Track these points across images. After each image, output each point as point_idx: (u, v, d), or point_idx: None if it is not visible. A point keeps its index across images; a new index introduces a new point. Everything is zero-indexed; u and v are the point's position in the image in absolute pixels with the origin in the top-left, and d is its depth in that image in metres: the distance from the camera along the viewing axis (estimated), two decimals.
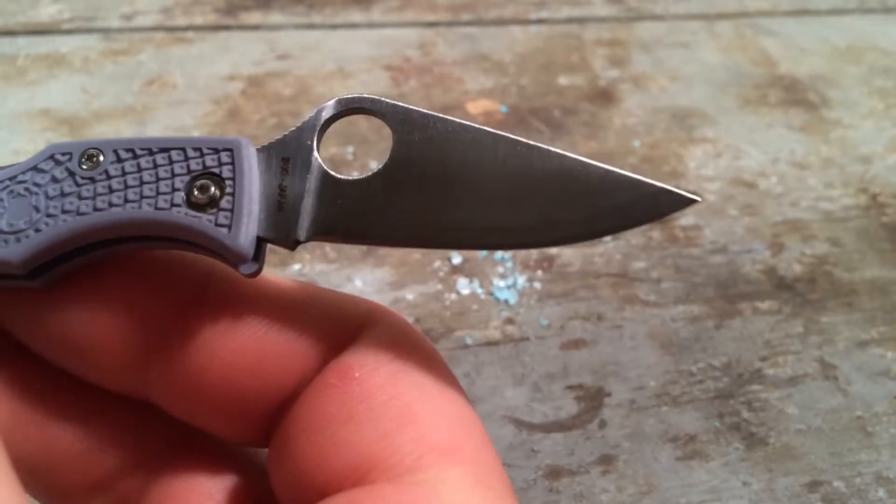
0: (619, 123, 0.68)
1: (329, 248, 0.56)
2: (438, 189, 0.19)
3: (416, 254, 0.56)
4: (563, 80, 0.72)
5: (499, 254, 0.57)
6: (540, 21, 0.79)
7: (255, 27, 0.74)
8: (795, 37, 0.80)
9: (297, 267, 0.54)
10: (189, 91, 0.66)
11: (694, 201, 0.18)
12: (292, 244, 0.20)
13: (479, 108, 0.68)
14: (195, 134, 0.62)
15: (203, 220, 0.19)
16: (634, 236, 0.59)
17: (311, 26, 0.75)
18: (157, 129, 0.62)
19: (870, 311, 0.56)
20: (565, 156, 0.18)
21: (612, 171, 0.18)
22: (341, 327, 0.21)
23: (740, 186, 0.64)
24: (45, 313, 0.20)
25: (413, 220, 0.19)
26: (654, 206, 0.18)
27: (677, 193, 0.18)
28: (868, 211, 0.63)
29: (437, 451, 0.19)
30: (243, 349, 0.20)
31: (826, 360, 0.53)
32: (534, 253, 0.57)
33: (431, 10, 0.78)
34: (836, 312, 0.56)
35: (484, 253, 0.57)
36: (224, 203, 0.19)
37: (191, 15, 0.74)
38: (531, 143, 0.19)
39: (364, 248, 0.56)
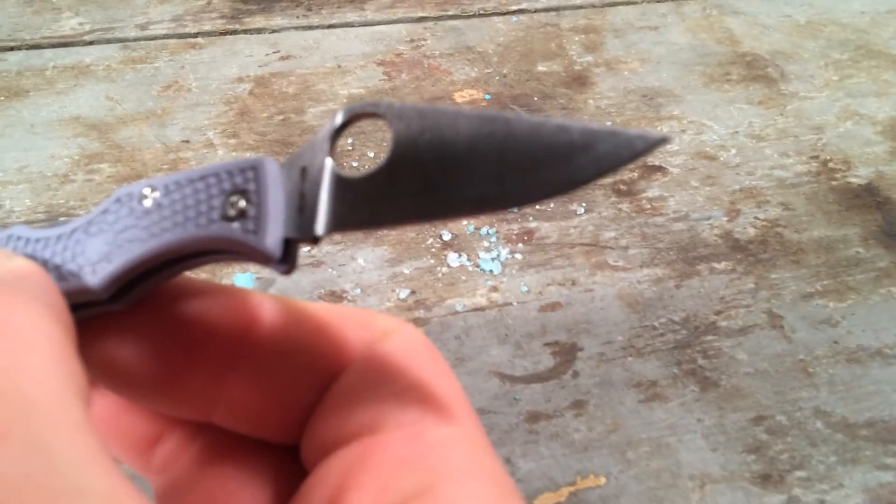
0: (593, 106, 0.75)
1: None
2: (435, 171, 0.21)
3: (411, 233, 0.64)
4: (541, 67, 0.78)
5: (484, 229, 0.64)
6: (520, 11, 0.85)
7: (259, 30, 0.81)
8: (758, 15, 0.86)
9: (306, 249, 0.62)
10: (203, 94, 0.73)
11: (665, 140, 0.20)
12: (313, 240, 0.22)
13: (465, 97, 0.75)
14: (210, 133, 0.69)
15: (236, 230, 0.23)
16: (605, 209, 0.66)
17: (309, 27, 0.81)
18: (176, 130, 0.70)
19: (815, 266, 0.63)
20: (544, 121, 0.21)
21: (589, 126, 0.20)
22: (371, 331, 0.27)
23: (702, 159, 0.71)
24: (128, 334, 0.24)
25: (415, 201, 0.21)
26: (630, 148, 0.20)
27: (650, 135, 0.19)
28: (819, 176, 0.70)
29: (437, 412, 0.24)
30: (303, 359, 0.25)
31: (774, 312, 0.60)
32: (515, 227, 0.65)
33: (420, 5, 0.85)
34: (784, 269, 0.63)
35: (471, 228, 0.64)
36: (251, 213, 0.23)
37: (199, 22, 0.81)
38: (513, 115, 0.21)
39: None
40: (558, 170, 0.21)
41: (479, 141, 0.21)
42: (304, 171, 0.24)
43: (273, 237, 0.23)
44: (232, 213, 0.23)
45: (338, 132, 0.24)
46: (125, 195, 0.24)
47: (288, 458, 0.27)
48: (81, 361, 0.19)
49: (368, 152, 0.69)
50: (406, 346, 0.26)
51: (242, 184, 0.23)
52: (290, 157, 0.24)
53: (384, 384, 0.25)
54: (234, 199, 0.23)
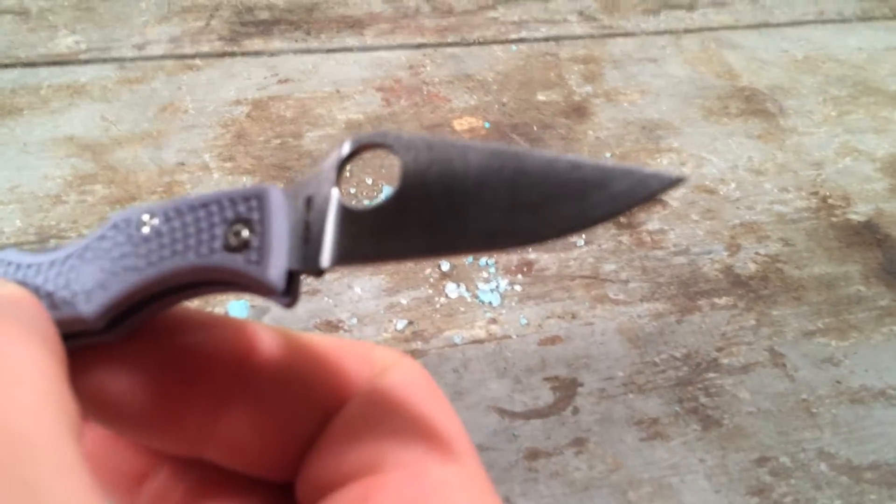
0: (593, 136, 0.74)
1: None
2: (444, 205, 0.20)
3: (409, 263, 0.63)
4: (541, 97, 0.78)
5: (483, 260, 0.63)
6: (520, 40, 0.85)
7: (258, 53, 0.80)
8: (756, 49, 0.86)
9: (301, 277, 0.61)
10: (199, 116, 0.72)
11: (681, 180, 0.19)
12: (318, 273, 0.21)
13: (464, 125, 0.74)
14: (206, 156, 0.68)
15: (238, 261, 0.22)
16: (605, 241, 0.66)
17: (308, 51, 0.81)
18: (172, 152, 0.69)
19: (816, 304, 0.63)
20: (557, 157, 0.20)
21: (603, 163, 0.19)
22: (371, 365, 0.26)
23: (702, 193, 0.70)
24: (121, 366, 0.23)
25: (423, 236, 0.20)
26: (646, 188, 0.19)
27: (665, 175, 0.19)
28: (818, 212, 0.70)
29: (439, 450, 0.23)
30: (301, 392, 0.24)
31: (776, 350, 0.59)
32: (514, 258, 0.64)
33: (420, 32, 0.84)
34: (785, 306, 0.62)
35: (470, 259, 0.64)
36: (255, 243, 0.22)
37: (198, 43, 0.80)
38: (524, 150, 0.20)
39: None
40: (571, 207, 0.20)
41: (489, 175, 0.20)
42: (309, 200, 0.23)
43: (277, 269, 0.22)
44: (234, 242, 0.22)
45: (344, 162, 0.23)
46: (123, 221, 0.23)
47: (282, 496, 0.26)
48: (73, 394, 0.18)
49: (367, 179, 0.68)
50: (406, 382, 0.25)
51: (246, 213, 0.22)
52: (295, 185, 0.23)
53: (384, 421, 0.24)
54: (236, 228, 0.22)
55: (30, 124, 0.70)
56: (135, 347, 0.24)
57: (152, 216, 0.23)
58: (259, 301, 0.59)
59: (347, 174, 0.69)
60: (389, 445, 0.23)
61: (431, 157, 0.21)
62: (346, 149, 0.23)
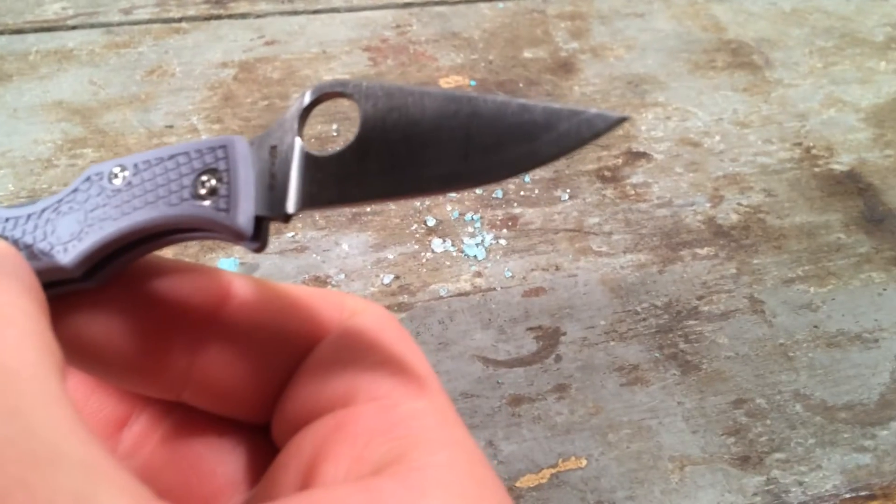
0: (579, 92, 0.75)
1: (318, 216, 0.63)
2: (402, 149, 0.21)
3: (395, 218, 0.64)
4: (527, 54, 0.78)
5: (469, 215, 0.64)
6: None
7: (243, 15, 0.80)
8: (744, 2, 0.86)
9: (290, 235, 0.62)
10: (187, 78, 0.73)
11: (624, 119, 0.21)
12: (284, 218, 0.22)
13: (450, 83, 0.75)
14: (194, 119, 0.69)
15: (207, 208, 0.23)
16: (590, 195, 0.67)
17: (294, 12, 0.81)
18: (160, 115, 0.69)
19: (797, 252, 0.64)
20: (507, 101, 0.21)
21: (551, 105, 0.20)
22: (341, 311, 0.27)
23: (686, 146, 0.71)
24: (100, 312, 0.24)
25: (384, 179, 0.21)
26: (591, 128, 0.20)
27: (609, 114, 0.20)
28: (802, 163, 0.70)
29: (408, 385, 0.24)
30: (274, 336, 0.25)
31: (755, 297, 0.61)
32: (499, 213, 0.65)
33: None
34: (766, 255, 0.63)
35: (455, 214, 0.65)
36: (222, 191, 0.23)
37: (184, 6, 0.81)
38: (476, 95, 0.21)
39: (349, 214, 0.64)
40: (522, 148, 0.21)
41: (444, 120, 0.21)
42: (273, 149, 0.24)
43: (245, 215, 0.23)
44: (203, 191, 0.23)
45: (306, 111, 0.24)
46: (95, 174, 0.24)
47: (258, 436, 0.27)
48: (56, 337, 0.19)
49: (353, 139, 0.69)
50: (375, 324, 0.26)
51: (212, 162, 0.23)
52: (260, 136, 0.24)
53: (355, 359, 0.25)
54: (204, 177, 0.23)
55: (19, 90, 0.71)
56: (113, 293, 0.25)
57: (123, 169, 0.24)
58: (249, 258, 0.60)
59: (334, 133, 0.69)
60: (361, 381, 0.24)
61: (390, 103, 0.22)
62: (307, 98, 0.24)
